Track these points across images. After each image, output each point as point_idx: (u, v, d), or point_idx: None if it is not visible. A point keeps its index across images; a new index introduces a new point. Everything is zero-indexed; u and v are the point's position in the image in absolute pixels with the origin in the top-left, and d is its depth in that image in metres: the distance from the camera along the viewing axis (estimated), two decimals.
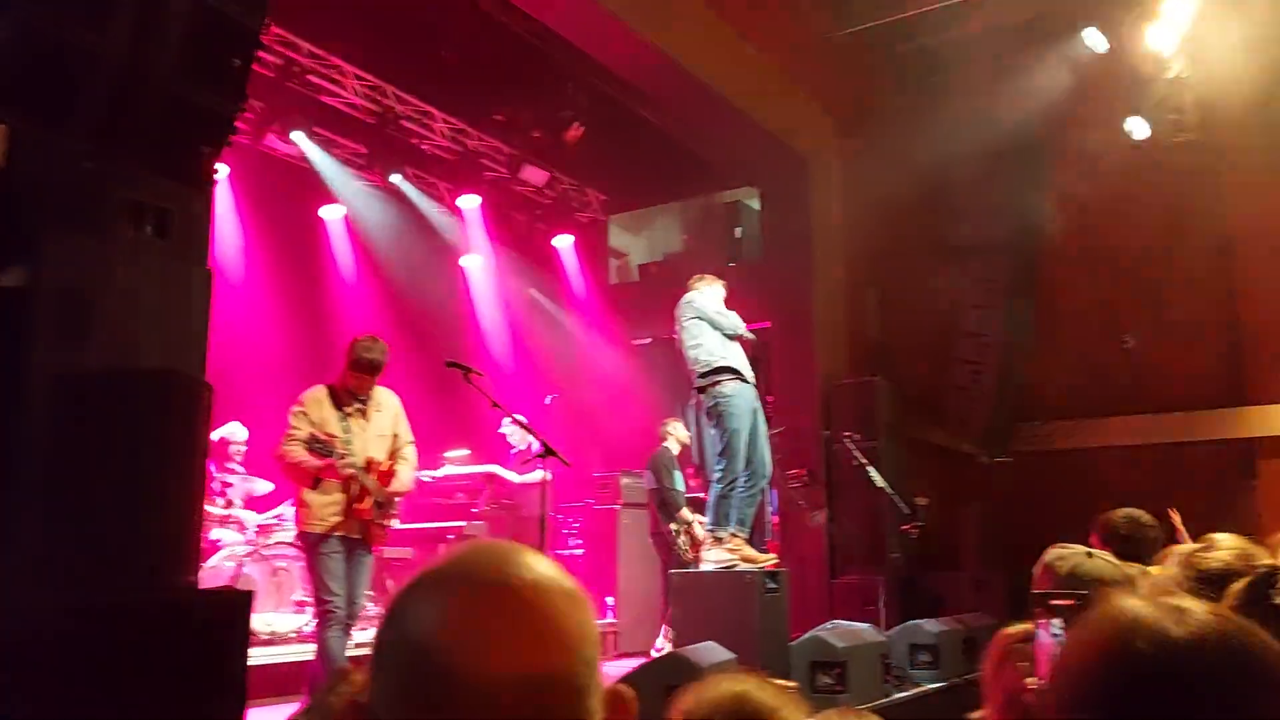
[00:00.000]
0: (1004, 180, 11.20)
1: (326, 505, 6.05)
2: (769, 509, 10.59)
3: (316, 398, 6.20)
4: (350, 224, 11.84)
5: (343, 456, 6.02)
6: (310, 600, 7.02)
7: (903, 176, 10.28)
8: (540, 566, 1.01)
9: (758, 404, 7.28)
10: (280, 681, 6.37)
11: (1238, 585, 1.60)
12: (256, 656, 5.96)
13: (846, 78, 11.42)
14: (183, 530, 3.41)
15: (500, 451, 10.67)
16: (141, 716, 2.89)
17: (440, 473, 10.92)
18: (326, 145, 10.98)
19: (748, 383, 7.17)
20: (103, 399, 3.37)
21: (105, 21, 3.68)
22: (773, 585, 6.74)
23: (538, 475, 6.79)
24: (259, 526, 8.70)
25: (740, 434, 7.01)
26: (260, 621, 7.71)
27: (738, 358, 7.18)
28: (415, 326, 11.59)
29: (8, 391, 3.26)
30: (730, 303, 7.57)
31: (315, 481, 6.05)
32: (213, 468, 8.26)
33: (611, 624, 9.56)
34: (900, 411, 10.96)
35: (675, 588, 7.31)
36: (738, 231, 12.84)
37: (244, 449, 8.80)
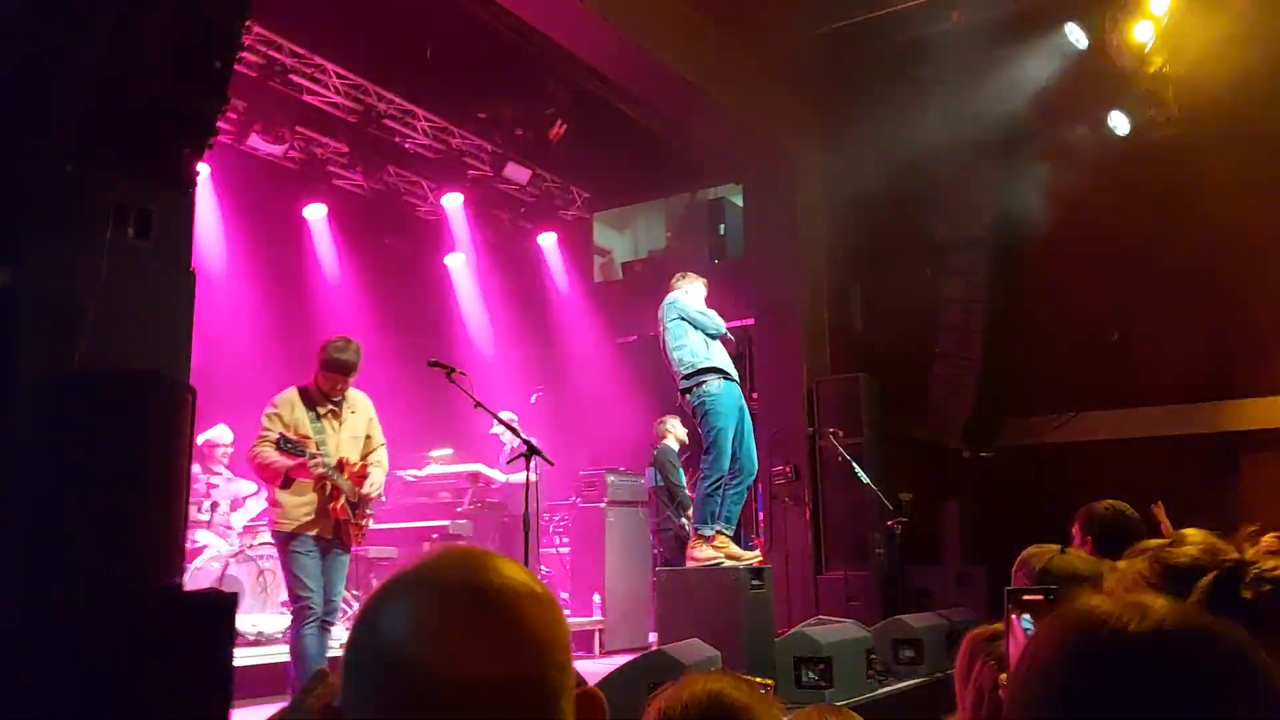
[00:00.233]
0: (986, 175, 11.24)
1: (299, 505, 6.10)
2: (755, 506, 10.64)
3: (289, 399, 6.24)
4: (333, 223, 11.83)
5: (314, 456, 6.06)
6: None
7: (886, 172, 10.30)
8: (510, 571, 1.02)
9: (743, 402, 7.30)
10: (266, 682, 6.36)
11: (1205, 580, 1.62)
12: (242, 658, 5.99)
13: (829, 73, 11.43)
14: (167, 532, 3.41)
15: (486, 450, 10.67)
16: (127, 718, 2.90)
17: (425, 472, 10.92)
18: (308, 144, 10.97)
19: (733, 381, 7.20)
20: (86, 401, 3.37)
21: (87, 24, 3.68)
22: (757, 582, 6.77)
23: (521, 475, 6.80)
24: (244, 528, 8.71)
25: (726, 432, 7.03)
26: (246, 623, 7.71)
27: (721, 357, 7.20)
28: (399, 326, 11.60)
29: None
30: (713, 300, 7.59)
31: (286, 481, 6.08)
32: (198, 469, 8.25)
33: (598, 621, 9.58)
34: (884, 407, 11.00)
35: (661, 585, 7.33)
36: (721, 229, 12.85)
37: (230, 450, 8.79)
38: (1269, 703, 0.96)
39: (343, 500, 6.18)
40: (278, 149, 10.46)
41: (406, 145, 11.67)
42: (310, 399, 6.28)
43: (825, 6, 10.66)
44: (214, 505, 8.59)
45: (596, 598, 9.70)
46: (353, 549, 6.51)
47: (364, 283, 11.88)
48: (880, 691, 6.88)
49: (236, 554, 8.23)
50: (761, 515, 10.93)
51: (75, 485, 3.24)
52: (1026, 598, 1.75)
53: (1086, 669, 0.98)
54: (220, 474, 8.77)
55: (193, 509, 7.59)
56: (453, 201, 12.35)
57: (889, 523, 9.54)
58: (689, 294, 7.43)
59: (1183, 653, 0.97)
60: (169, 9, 3.88)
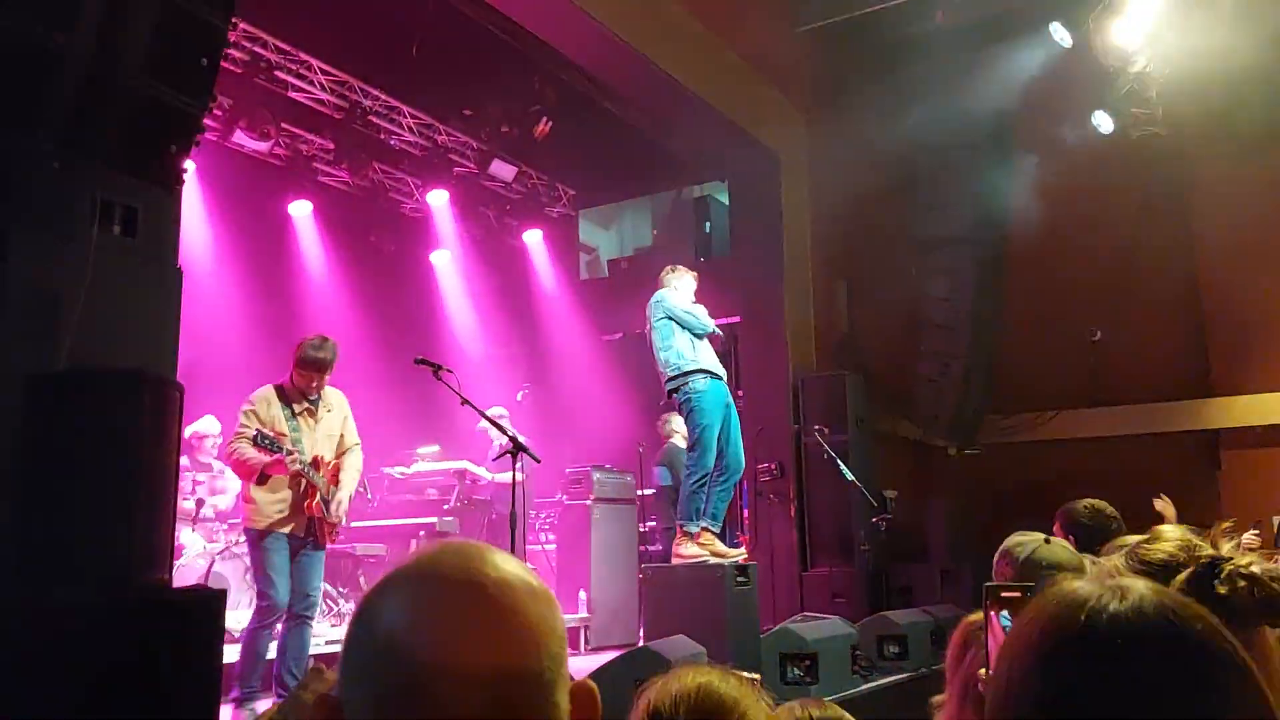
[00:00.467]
0: (971, 174, 11.29)
1: (273, 503, 6.14)
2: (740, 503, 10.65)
3: (265, 396, 6.29)
4: (319, 220, 11.81)
5: (290, 453, 6.09)
6: None
7: (871, 170, 10.35)
8: (506, 565, 1.04)
9: (729, 399, 7.31)
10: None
11: (1181, 576, 1.65)
12: (229, 655, 5.98)
13: (815, 72, 11.48)
14: (154, 529, 3.41)
15: (473, 448, 10.67)
16: (115, 714, 2.90)
17: (412, 469, 10.91)
18: (294, 141, 10.95)
19: (719, 379, 7.21)
20: (72, 398, 3.37)
21: (72, 21, 3.68)
22: (743, 579, 6.81)
23: (508, 473, 6.81)
24: (230, 524, 8.69)
25: (712, 429, 7.05)
26: (232, 620, 7.70)
27: (708, 356, 7.20)
28: (385, 323, 11.59)
29: None
30: (700, 298, 7.58)
31: (263, 478, 6.12)
32: (186, 461, 8.25)
33: (584, 619, 9.59)
34: (869, 405, 11.04)
35: (647, 582, 7.35)
36: (707, 226, 12.87)
37: (219, 442, 8.78)
38: (1244, 680, 0.98)
39: (318, 498, 6.23)
40: (263, 145, 10.43)
41: (392, 142, 11.66)
42: (286, 396, 6.32)
43: (811, 5, 10.69)
44: (199, 501, 8.58)
45: (582, 595, 9.70)
46: (343, 547, 6.53)
47: (350, 279, 11.85)
48: (865, 687, 6.91)
49: (222, 551, 8.22)
50: (746, 512, 10.95)
51: (61, 483, 3.24)
52: (1005, 594, 1.77)
53: (1067, 648, 1.00)
54: (208, 467, 8.78)
55: (180, 503, 7.58)
56: (438, 198, 12.34)
57: (874, 520, 9.59)
58: (678, 290, 7.41)
59: (1162, 630, 0.99)
60: (155, 6, 3.88)
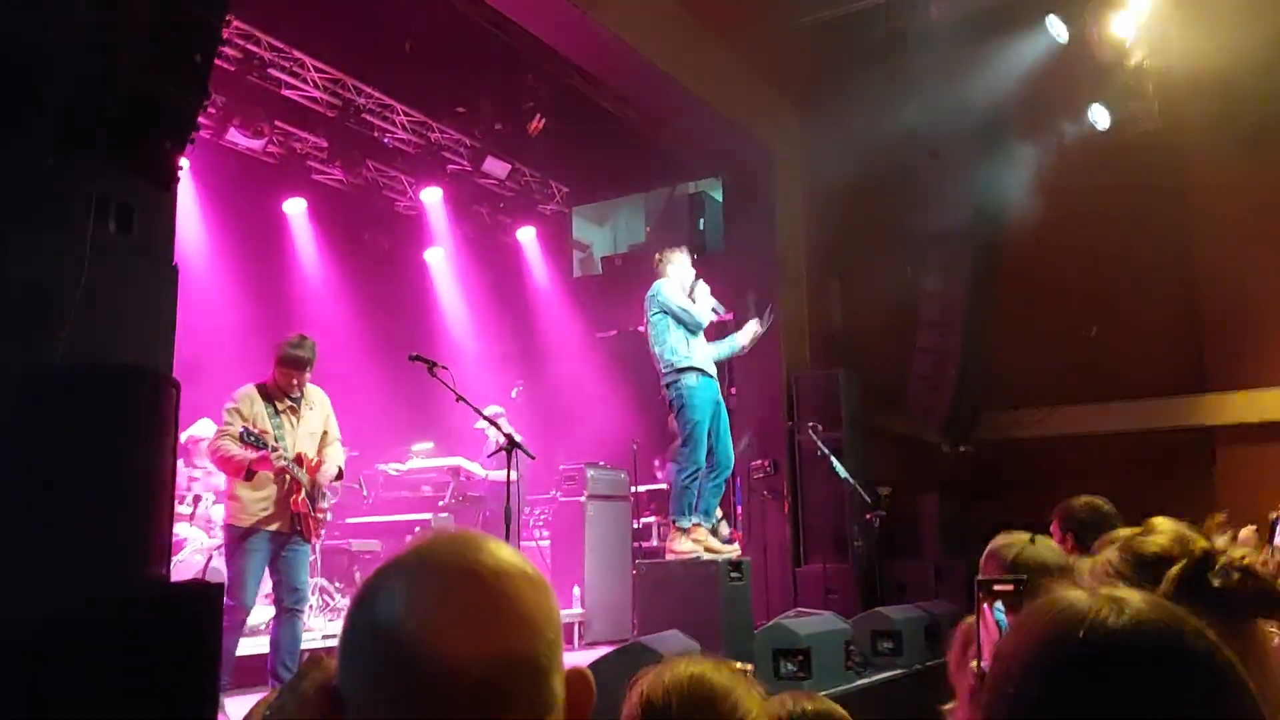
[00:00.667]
0: (966, 169, 11.29)
1: (257, 500, 6.16)
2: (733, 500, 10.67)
3: (248, 394, 6.32)
4: (313, 218, 11.81)
5: (275, 449, 6.14)
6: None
7: (865, 166, 10.34)
8: (503, 553, 1.05)
9: (719, 396, 7.32)
10: (249, 673, 6.39)
11: (1174, 569, 1.65)
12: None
13: (809, 67, 11.47)
14: (153, 524, 3.42)
15: (468, 445, 10.68)
16: (116, 708, 2.91)
17: (406, 466, 10.91)
18: (287, 139, 10.94)
19: (710, 377, 7.21)
20: (69, 394, 3.38)
21: (67, 18, 3.68)
22: (736, 575, 6.82)
23: (502, 470, 6.81)
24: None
25: (702, 425, 7.05)
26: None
27: (701, 354, 7.20)
28: (379, 320, 11.58)
29: None
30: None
31: (249, 474, 6.13)
32: (181, 464, 8.24)
33: (578, 614, 9.60)
34: (863, 401, 11.05)
35: (641, 578, 7.36)
36: (701, 223, 12.86)
37: None
38: (1242, 695, 0.99)
39: (303, 494, 6.27)
40: (257, 143, 10.42)
41: (385, 140, 11.64)
42: (269, 395, 6.37)
43: (804, 0, 10.68)
44: (196, 499, 8.57)
45: (576, 590, 9.72)
46: (338, 542, 6.55)
47: (344, 277, 11.84)
48: (859, 683, 6.92)
49: (219, 547, 8.21)
50: (740, 509, 10.97)
51: (59, 477, 3.25)
52: (997, 588, 1.78)
53: (1066, 664, 1.01)
54: (203, 467, 8.76)
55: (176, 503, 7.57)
56: (432, 196, 12.32)
57: (867, 516, 9.60)
58: (672, 278, 7.37)
59: (1160, 645, 1.00)
60: (149, 3, 3.88)
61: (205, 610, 3.30)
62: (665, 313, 7.18)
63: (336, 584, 9.04)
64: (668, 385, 7.18)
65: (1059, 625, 1.03)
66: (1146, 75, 9.99)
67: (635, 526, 10.68)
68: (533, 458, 6.90)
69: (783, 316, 11.04)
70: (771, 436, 10.74)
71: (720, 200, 12.46)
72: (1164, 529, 1.82)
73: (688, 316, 7.18)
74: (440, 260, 13.27)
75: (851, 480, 9.17)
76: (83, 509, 3.22)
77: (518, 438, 6.82)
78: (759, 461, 10.65)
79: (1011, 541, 2.73)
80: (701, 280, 7.47)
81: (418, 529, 9.95)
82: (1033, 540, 2.72)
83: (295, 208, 11.74)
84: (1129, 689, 0.98)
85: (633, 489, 10.72)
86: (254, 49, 9.74)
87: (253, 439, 6.06)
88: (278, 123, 10.48)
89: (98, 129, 3.81)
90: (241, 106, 9.88)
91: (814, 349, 11.43)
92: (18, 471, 3.24)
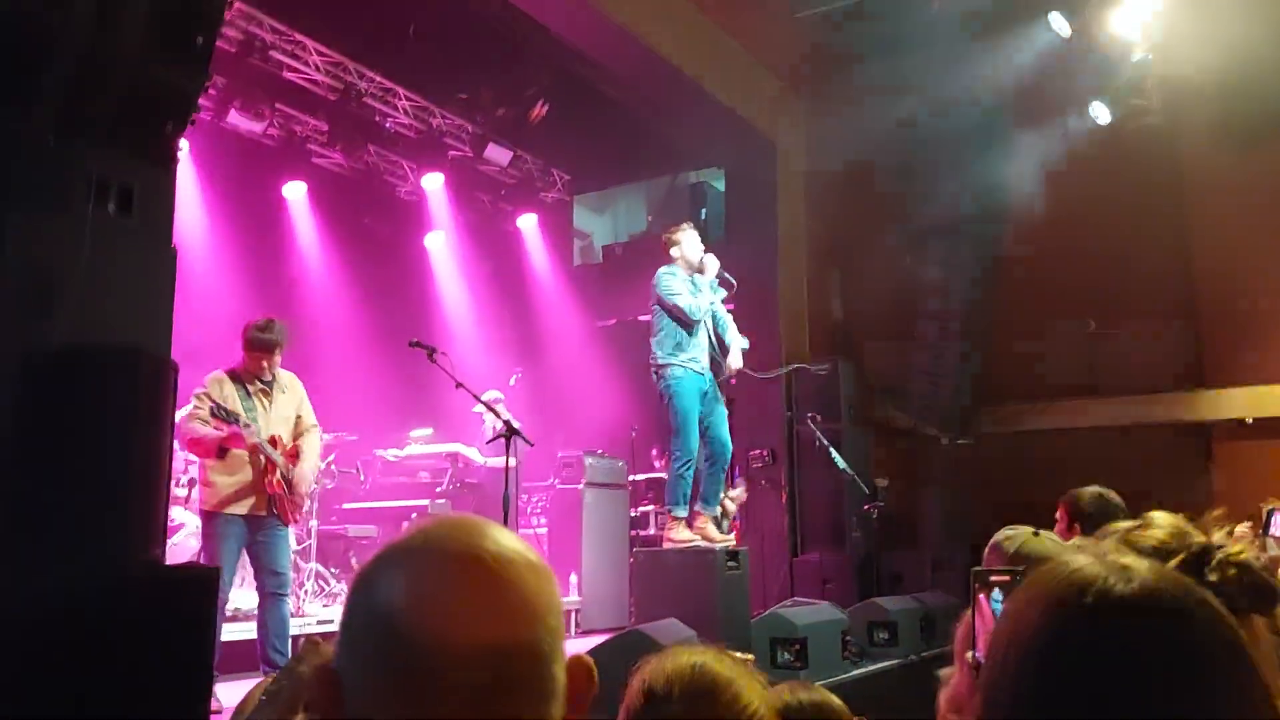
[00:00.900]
0: (967, 162, 11.28)
1: (230, 484, 6.12)
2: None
3: (218, 379, 6.29)
4: (313, 202, 11.78)
5: (248, 426, 6.10)
6: None
7: (866, 157, 10.33)
8: (505, 539, 1.04)
9: (710, 387, 7.30)
10: (242, 658, 6.39)
11: (1172, 563, 1.65)
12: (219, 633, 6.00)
13: (812, 58, 11.44)
14: (149, 507, 3.42)
15: (467, 431, 10.68)
16: (116, 689, 2.91)
17: (405, 452, 10.92)
18: (288, 122, 10.91)
19: (699, 373, 7.19)
20: (68, 376, 3.37)
21: None
22: (733, 564, 6.83)
23: (501, 457, 6.82)
24: None
25: (690, 415, 7.06)
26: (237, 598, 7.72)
27: (691, 350, 7.18)
28: (378, 305, 11.57)
29: None
30: None
31: (221, 452, 6.08)
32: (178, 444, 8.23)
33: (575, 602, 9.62)
34: (863, 394, 11.05)
35: (638, 566, 7.37)
36: (702, 213, 12.85)
37: None
38: (1247, 666, 0.99)
39: (278, 474, 6.22)
40: (257, 126, 10.40)
41: (387, 125, 11.62)
42: (239, 378, 6.34)
43: None
44: (191, 482, 8.56)
45: (573, 578, 9.74)
46: (335, 528, 6.53)
47: (343, 262, 11.82)
48: (855, 673, 6.93)
49: None
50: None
51: (56, 460, 3.24)
52: (994, 578, 1.77)
53: (1073, 629, 1.01)
54: None
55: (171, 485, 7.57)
56: (433, 182, 12.31)
57: (865, 507, 9.61)
58: (678, 260, 7.37)
59: (1167, 612, 1.00)
60: None
61: (204, 593, 3.30)
62: (660, 306, 7.21)
63: (333, 569, 9.04)
64: (656, 377, 7.19)
65: (1064, 592, 1.03)
66: (1148, 71, 9.98)
67: (633, 515, 10.70)
68: (531, 444, 6.91)
69: (783, 307, 11.05)
70: (770, 427, 10.74)
71: (722, 190, 12.45)
72: (1162, 523, 1.82)
73: (679, 314, 7.16)
74: (440, 246, 13.25)
75: (849, 471, 9.18)
76: (78, 491, 3.22)
77: (516, 424, 6.82)
78: (757, 451, 10.65)
79: (1014, 534, 2.72)
80: (711, 254, 7.47)
81: (415, 515, 9.95)
82: (1036, 533, 2.71)
83: (295, 191, 11.71)
84: (1135, 656, 0.98)
85: (631, 477, 10.73)
86: (256, 31, 9.72)
87: (224, 414, 6.01)
88: (278, 105, 10.47)
89: (99, 110, 3.80)
90: (242, 88, 9.87)
91: (813, 339, 11.42)
92: (14, 453, 3.23)
